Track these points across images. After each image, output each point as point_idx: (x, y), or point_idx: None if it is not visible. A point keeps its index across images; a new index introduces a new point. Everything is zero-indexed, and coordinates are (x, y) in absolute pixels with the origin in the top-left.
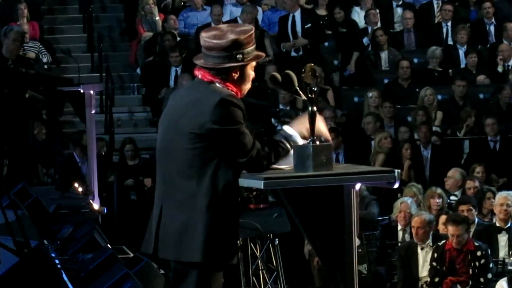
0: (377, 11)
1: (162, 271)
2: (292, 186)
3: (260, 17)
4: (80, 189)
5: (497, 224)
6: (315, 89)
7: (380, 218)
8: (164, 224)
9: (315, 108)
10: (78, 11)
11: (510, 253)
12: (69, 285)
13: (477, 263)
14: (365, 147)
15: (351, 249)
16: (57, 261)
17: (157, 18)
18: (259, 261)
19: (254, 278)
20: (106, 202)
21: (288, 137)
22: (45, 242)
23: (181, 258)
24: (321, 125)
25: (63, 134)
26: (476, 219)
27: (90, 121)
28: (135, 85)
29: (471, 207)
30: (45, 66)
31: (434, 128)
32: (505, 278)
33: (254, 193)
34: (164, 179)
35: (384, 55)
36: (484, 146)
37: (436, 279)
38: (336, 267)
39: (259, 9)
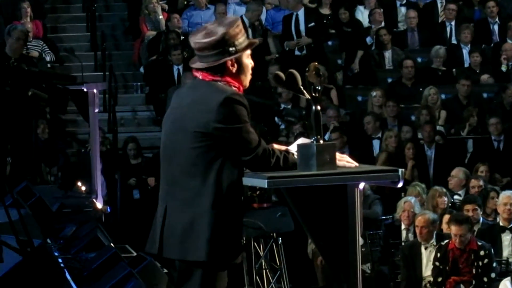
0: (381, 10)
1: (165, 270)
2: (295, 185)
3: (263, 16)
4: (83, 188)
5: (501, 224)
6: (319, 88)
7: (384, 217)
8: (169, 224)
9: (318, 107)
10: (81, 10)
11: None
12: (72, 284)
13: (480, 263)
14: (368, 146)
15: (355, 248)
16: (60, 260)
17: (161, 17)
18: (263, 260)
19: (257, 277)
20: (109, 201)
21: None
22: (48, 241)
23: (185, 257)
24: (346, 162)
25: (67, 133)
26: (481, 219)
27: (93, 120)
28: (139, 84)
29: (476, 207)
30: (48, 65)
31: (437, 128)
32: (509, 278)
33: (258, 192)
34: (168, 179)
35: (388, 54)
36: (488, 145)
37: (439, 279)
38: (340, 266)
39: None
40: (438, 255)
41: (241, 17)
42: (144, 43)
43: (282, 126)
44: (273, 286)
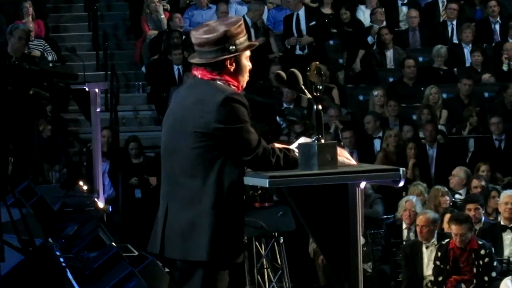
0: (383, 9)
1: (166, 270)
2: (297, 184)
3: (265, 16)
4: (85, 187)
5: (502, 223)
6: (320, 87)
7: (385, 216)
8: (170, 224)
9: (320, 107)
10: (83, 9)
11: None
12: (74, 283)
13: (481, 262)
14: (369, 145)
15: (356, 247)
16: (61, 259)
17: (162, 16)
18: (264, 260)
19: (259, 276)
20: (110, 200)
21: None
22: (50, 240)
23: (187, 257)
24: (345, 158)
25: (68, 132)
26: (483, 218)
27: (95, 119)
28: (140, 83)
29: (478, 206)
30: (50, 64)
31: (439, 127)
32: (510, 277)
33: (259, 191)
34: (169, 178)
35: (389, 53)
36: (489, 144)
37: (440, 278)
38: (341, 265)
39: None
40: (439, 254)
41: (243, 16)
42: (146, 43)
43: (284, 126)
44: (275, 286)
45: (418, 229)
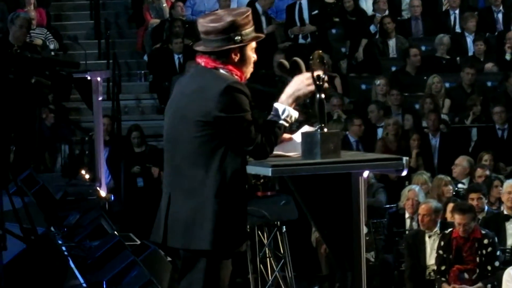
0: None
1: (169, 259)
2: (300, 173)
3: None
4: (87, 176)
5: (505, 212)
6: (323, 76)
7: (388, 206)
8: (173, 213)
9: (323, 95)
10: None
11: None
12: (76, 272)
13: (484, 251)
14: (372, 134)
15: (359, 236)
16: (64, 248)
17: (164, 4)
18: (267, 249)
19: (261, 265)
20: (113, 189)
21: (281, 114)
22: (52, 229)
23: (190, 246)
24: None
25: (70, 121)
26: (486, 207)
27: (97, 108)
28: (142, 72)
29: (481, 195)
30: (52, 53)
31: (442, 116)
32: None
33: (262, 180)
34: (171, 168)
35: (391, 42)
36: (492, 134)
37: (443, 267)
38: (344, 254)
39: None
40: (442, 243)
41: (254, 4)
42: (148, 31)
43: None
44: (277, 275)
45: (420, 218)
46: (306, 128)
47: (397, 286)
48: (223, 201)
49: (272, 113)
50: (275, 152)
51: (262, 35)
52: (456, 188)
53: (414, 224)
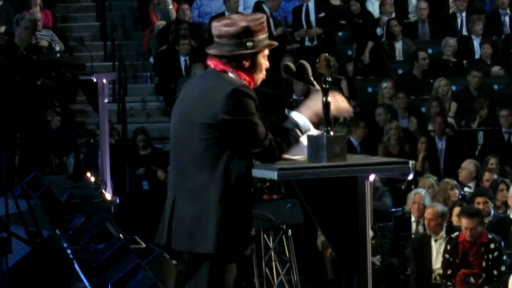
0: (392, 1)
1: (174, 262)
2: (306, 177)
3: None
4: (92, 179)
5: (511, 216)
6: (329, 79)
7: (394, 209)
8: (177, 215)
9: (329, 98)
10: None
11: None
12: (81, 275)
13: (490, 256)
14: (379, 138)
15: (365, 240)
16: (69, 251)
17: (171, 6)
18: (272, 252)
19: (267, 269)
20: (118, 192)
21: (298, 125)
22: (57, 231)
23: (194, 250)
24: (340, 101)
25: (76, 123)
26: (492, 211)
27: (102, 110)
28: (148, 74)
29: (487, 199)
30: (58, 55)
31: (448, 119)
32: None
33: (268, 183)
34: (177, 170)
35: (398, 45)
36: (499, 137)
37: (449, 271)
38: (350, 258)
39: None
40: (448, 247)
41: (262, 6)
42: (154, 33)
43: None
44: (283, 278)
45: (426, 222)
46: (312, 131)
47: None
48: (228, 204)
49: (289, 120)
50: None
51: (276, 43)
52: (462, 192)
53: (420, 228)
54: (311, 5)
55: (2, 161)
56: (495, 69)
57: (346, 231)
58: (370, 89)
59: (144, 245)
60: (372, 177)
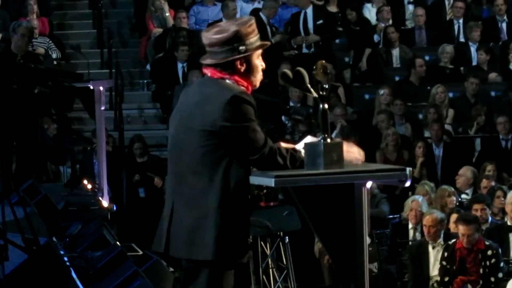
0: (389, 8)
1: (171, 269)
2: (303, 184)
3: None
4: (89, 186)
5: (509, 223)
6: (326, 86)
7: (391, 216)
8: (175, 222)
9: (326, 105)
10: (87, 6)
11: None
12: (78, 282)
13: (487, 262)
14: (376, 144)
15: (362, 247)
16: (65, 259)
17: (167, 14)
18: (269, 259)
19: (264, 276)
20: (115, 199)
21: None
22: (54, 239)
23: (192, 257)
24: (352, 153)
25: (72, 130)
26: (490, 218)
27: (99, 118)
28: (145, 81)
29: (485, 206)
30: (55, 62)
31: (445, 126)
32: None
33: (265, 191)
34: (175, 177)
35: (395, 52)
36: (496, 144)
37: (446, 278)
38: (347, 265)
39: None
40: (445, 254)
41: (259, 14)
42: (151, 41)
43: (289, 125)
44: (280, 285)
45: (425, 229)
46: (309, 139)
47: None
48: (226, 211)
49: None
50: None
51: (268, 43)
52: (460, 199)
53: (418, 235)
54: (309, 12)
55: None
56: (492, 75)
57: (343, 238)
58: (367, 96)
59: (141, 252)
60: (369, 184)
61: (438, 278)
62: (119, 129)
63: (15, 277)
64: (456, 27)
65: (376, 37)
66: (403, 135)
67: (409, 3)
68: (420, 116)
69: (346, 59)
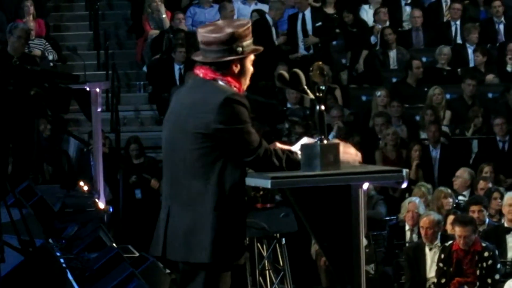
0: (386, 9)
1: (168, 271)
2: (299, 185)
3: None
4: (85, 188)
5: (506, 225)
6: (323, 87)
7: (388, 218)
8: (172, 225)
9: (322, 107)
10: (84, 8)
11: None
12: (74, 284)
13: (484, 264)
14: (373, 146)
15: (359, 249)
16: (62, 260)
17: (164, 15)
18: (266, 261)
19: (260, 278)
20: (111, 201)
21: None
22: (50, 241)
23: (188, 259)
24: (349, 154)
25: (69, 132)
26: (487, 220)
27: (95, 119)
28: (141, 83)
29: (482, 208)
30: (51, 64)
31: (442, 128)
32: None
33: (261, 192)
34: (171, 180)
35: (392, 54)
36: (493, 146)
37: (443, 280)
38: (343, 267)
39: (267, 7)
40: (442, 256)
41: (265, 15)
42: (147, 42)
43: (286, 126)
44: (276, 287)
45: (422, 231)
46: (305, 140)
47: None
48: (222, 213)
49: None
50: None
51: (261, 48)
52: (457, 200)
53: (415, 237)
54: (308, 14)
55: None
56: (490, 77)
57: (340, 239)
58: (364, 98)
59: (137, 254)
60: (366, 185)
61: (435, 280)
62: (116, 130)
63: (11, 279)
64: (453, 28)
65: (373, 39)
66: (400, 137)
67: (406, 4)
68: (417, 118)
69: (343, 61)
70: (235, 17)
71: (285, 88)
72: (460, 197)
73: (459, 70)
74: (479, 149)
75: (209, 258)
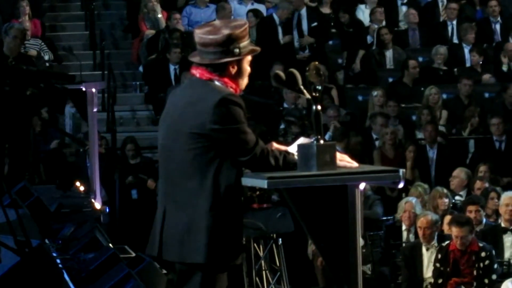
0: (382, 9)
1: (164, 271)
2: (296, 185)
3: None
4: (81, 188)
5: (503, 225)
6: (319, 87)
7: (385, 218)
8: (168, 226)
9: (319, 107)
10: (80, 8)
11: None
12: (71, 284)
13: (481, 264)
14: (369, 146)
15: (355, 249)
16: (58, 261)
17: (160, 15)
18: (262, 261)
19: (257, 278)
20: (107, 201)
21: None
22: (46, 241)
23: (185, 260)
24: (345, 161)
25: (64, 132)
26: (484, 220)
27: (92, 119)
28: (137, 83)
29: (479, 208)
30: (47, 64)
31: (439, 128)
32: (510, 279)
33: (258, 192)
34: (166, 180)
35: (389, 53)
36: (489, 145)
37: (440, 280)
38: (340, 267)
39: (263, 7)
40: (439, 256)
41: (272, 15)
42: (143, 42)
43: (282, 126)
44: (273, 287)
45: (420, 231)
46: (302, 140)
47: None
48: (218, 213)
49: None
50: None
51: (258, 48)
52: (454, 200)
53: (411, 237)
54: (304, 13)
55: None
56: (486, 77)
57: (337, 240)
58: (360, 98)
59: (134, 254)
60: (362, 185)
61: (432, 280)
62: (112, 131)
63: (7, 280)
64: (449, 28)
65: (369, 39)
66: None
67: (402, 4)
68: (414, 118)
69: (339, 61)
70: (232, 17)
71: (281, 88)
72: (457, 197)
73: (455, 70)
74: (475, 149)
75: (205, 259)
